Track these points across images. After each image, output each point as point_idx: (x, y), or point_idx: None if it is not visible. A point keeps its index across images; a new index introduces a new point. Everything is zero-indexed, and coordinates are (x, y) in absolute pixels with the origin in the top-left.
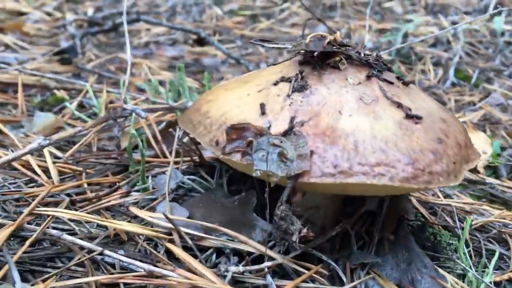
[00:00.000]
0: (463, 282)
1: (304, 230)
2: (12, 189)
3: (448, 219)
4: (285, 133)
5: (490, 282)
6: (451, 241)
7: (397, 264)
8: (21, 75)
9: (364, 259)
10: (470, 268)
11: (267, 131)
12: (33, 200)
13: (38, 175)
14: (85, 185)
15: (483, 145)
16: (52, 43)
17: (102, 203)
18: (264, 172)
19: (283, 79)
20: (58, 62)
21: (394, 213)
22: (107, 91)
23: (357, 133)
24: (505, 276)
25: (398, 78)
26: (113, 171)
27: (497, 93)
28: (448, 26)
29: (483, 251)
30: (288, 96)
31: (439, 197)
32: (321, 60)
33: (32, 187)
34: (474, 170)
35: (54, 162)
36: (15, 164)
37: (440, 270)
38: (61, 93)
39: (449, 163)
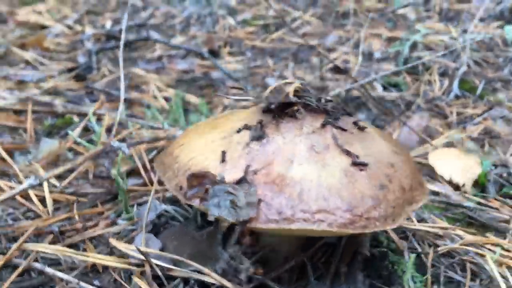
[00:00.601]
0: None
1: (251, 269)
2: (9, 222)
3: (416, 245)
4: (239, 181)
5: None
6: (405, 270)
7: None
8: (31, 101)
9: None
10: None
11: (222, 179)
12: (22, 235)
13: (35, 205)
14: (76, 216)
15: (473, 166)
16: (70, 59)
17: (88, 234)
18: (217, 217)
19: (245, 127)
20: (74, 79)
21: (351, 246)
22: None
23: (304, 182)
24: None
25: (355, 123)
26: (103, 200)
27: (501, 106)
28: (459, 35)
29: (441, 279)
30: (247, 144)
31: (412, 221)
32: (279, 110)
33: (29, 217)
34: (461, 190)
35: (51, 191)
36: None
37: None
38: (69, 116)
39: (387, 208)
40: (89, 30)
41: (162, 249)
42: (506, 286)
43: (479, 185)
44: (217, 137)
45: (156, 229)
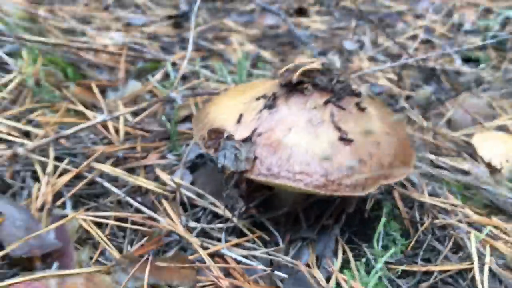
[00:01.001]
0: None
1: (243, 208)
2: (88, 144)
3: (417, 215)
4: (245, 140)
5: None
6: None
7: (325, 244)
8: (127, 45)
9: (303, 234)
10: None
11: (232, 136)
12: (93, 155)
13: (111, 134)
14: (138, 148)
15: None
16: (173, 6)
17: (143, 162)
18: (223, 165)
19: (263, 96)
20: (172, 26)
21: (340, 205)
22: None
23: (294, 148)
24: (417, 268)
25: (357, 104)
26: (162, 137)
27: None
28: None
29: (424, 246)
30: (260, 111)
31: (423, 194)
32: (291, 86)
33: (104, 143)
34: (496, 172)
35: (124, 125)
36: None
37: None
38: (157, 61)
39: (359, 179)
40: None
41: (192, 183)
42: (479, 263)
43: None
44: (241, 101)
45: (194, 167)
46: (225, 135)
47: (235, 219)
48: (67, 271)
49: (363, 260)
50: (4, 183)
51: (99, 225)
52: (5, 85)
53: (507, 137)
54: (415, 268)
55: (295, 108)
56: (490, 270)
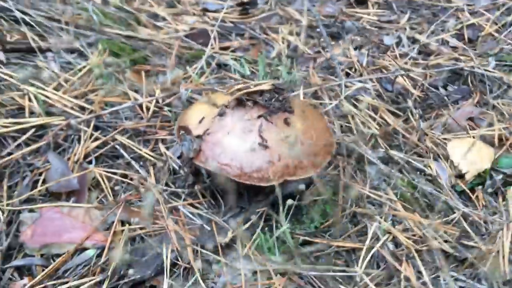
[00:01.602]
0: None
1: (191, 181)
2: (123, 120)
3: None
4: (197, 136)
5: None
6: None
7: (253, 212)
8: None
9: (240, 204)
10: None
11: (191, 132)
12: (118, 129)
13: (144, 113)
14: (158, 123)
15: (484, 159)
16: None
17: (158, 136)
18: (181, 151)
19: (222, 105)
20: (240, 12)
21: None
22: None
23: (227, 146)
24: (318, 240)
25: (285, 119)
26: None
27: None
28: None
29: (337, 226)
30: (214, 116)
31: (364, 187)
32: (237, 102)
33: (136, 119)
34: (462, 178)
35: (155, 106)
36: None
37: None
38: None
39: (266, 174)
40: None
41: (178, 157)
42: (368, 245)
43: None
44: (204, 108)
45: None
46: (187, 131)
47: (196, 187)
48: (75, 204)
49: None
50: (58, 143)
51: (108, 178)
52: (80, 70)
53: (483, 146)
54: (316, 240)
55: (236, 118)
56: (375, 254)
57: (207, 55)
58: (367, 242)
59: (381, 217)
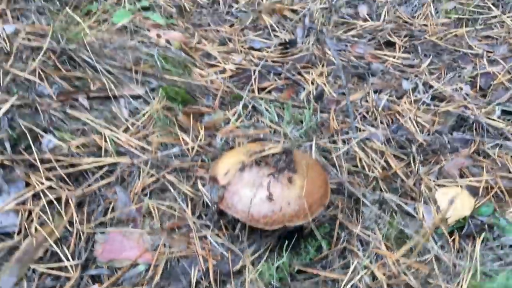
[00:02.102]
0: None
1: (216, 220)
2: (171, 161)
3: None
4: (222, 186)
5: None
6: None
7: (260, 245)
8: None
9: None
10: None
11: (218, 182)
12: (166, 168)
13: (189, 152)
14: (199, 162)
15: (464, 207)
16: (292, 31)
17: (196, 173)
18: (210, 196)
19: (242, 162)
20: (280, 51)
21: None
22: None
23: (242, 197)
24: (310, 270)
25: (289, 178)
26: (214, 157)
27: None
28: None
29: (329, 258)
30: (236, 170)
31: (356, 226)
32: (255, 161)
33: (184, 157)
34: (445, 222)
35: (198, 145)
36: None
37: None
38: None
39: (269, 220)
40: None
41: None
42: (348, 278)
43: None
44: (234, 161)
45: None
46: (215, 181)
47: (221, 221)
48: (133, 229)
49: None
50: (123, 178)
51: (158, 208)
52: (143, 114)
53: (466, 195)
54: (309, 269)
55: (252, 175)
56: (354, 285)
57: (244, 99)
58: (348, 274)
59: (364, 254)
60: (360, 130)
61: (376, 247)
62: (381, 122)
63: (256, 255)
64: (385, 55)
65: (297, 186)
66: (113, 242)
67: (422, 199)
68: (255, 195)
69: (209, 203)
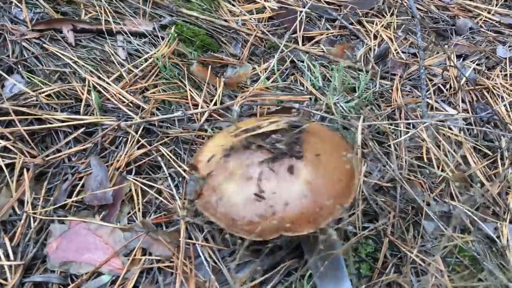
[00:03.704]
0: None
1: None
2: (171, 127)
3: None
4: (202, 177)
5: None
6: None
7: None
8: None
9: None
10: None
11: (198, 171)
12: (164, 138)
13: (197, 117)
14: (208, 132)
15: None
16: None
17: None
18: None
19: (231, 145)
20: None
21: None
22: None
23: (224, 195)
24: None
25: (289, 167)
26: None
27: None
28: None
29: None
30: (221, 157)
31: (412, 249)
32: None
33: (190, 122)
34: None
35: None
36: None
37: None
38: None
39: (259, 227)
40: None
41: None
42: None
43: None
44: (219, 144)
45: None
46: (195, 169)
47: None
48: (102, 223)
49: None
50: (104, 146)
51: (143, 193)
52: (146, 59)
53: None
54: None
55: (238, 162)
56: None
57: (282, 51)
58: None
59: None
60: (432, 109)
61: (437, 284)
62: (463, 101)
63: (252, 284)
64: (477, 7)
65: (301, 178)
66: (73, 237)
67: (509, 216)
68: (241, 192)
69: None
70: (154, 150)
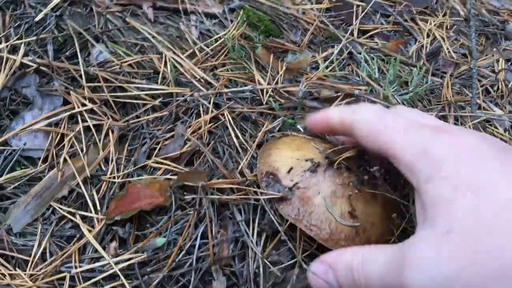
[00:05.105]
0: None
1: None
2: (237, 100)
3: None
4: (288, 188)
5: None
6: None
7: None
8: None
9: None
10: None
11: (280, 181)
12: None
13: (261, 95)
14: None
15: None
16: None
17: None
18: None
19: (311, 160)
20: None
21: None
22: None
23: (316, 207)
24: None
25: (373, 192)
26: (290, 107)
27: None
28: None
29: None
30: (305, 171)
31: None
32: (330, 162)
33: (250, 101)
34: None
35: (272, 91)
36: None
37: None
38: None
39: (351, 243)
40: None
41: None
42: None
43: None
44: (295, 156)
45: None
46: (276, 179)
47: None
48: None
49: None
50: (178, 115)
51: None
52: (216, 40)
53: None
54: None
55: (328, 180)
56: None
57: (345, 40)
58: None
59: None
60: (480, 108)
61: None
62: (510, 103)
63: None
64: None
65: (379, 202)
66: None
67: None
68: (334, 208)
69: (265, 206)
70: (220, 125)
